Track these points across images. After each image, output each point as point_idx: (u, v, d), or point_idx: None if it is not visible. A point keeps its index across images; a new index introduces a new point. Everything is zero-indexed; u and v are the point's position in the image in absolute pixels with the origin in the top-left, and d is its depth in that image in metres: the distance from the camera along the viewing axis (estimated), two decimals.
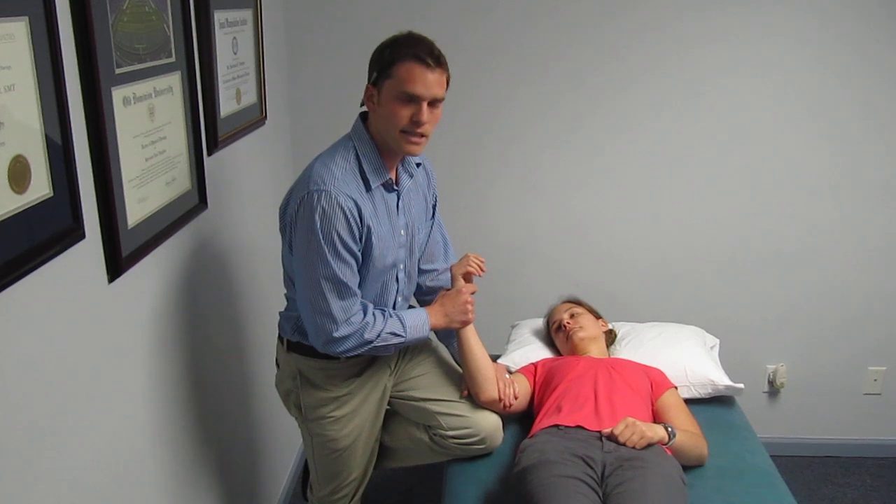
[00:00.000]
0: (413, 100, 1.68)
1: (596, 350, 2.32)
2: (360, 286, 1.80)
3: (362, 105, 1.79)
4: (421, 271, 2.11)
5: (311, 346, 1.85)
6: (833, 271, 2.93)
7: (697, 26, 2.66)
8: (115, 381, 1.47)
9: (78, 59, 1.29)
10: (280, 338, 1.98)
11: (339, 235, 1.69)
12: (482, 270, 2.01)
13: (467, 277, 2.01)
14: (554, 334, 2.45)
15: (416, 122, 1.69)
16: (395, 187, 1.85)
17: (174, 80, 1.68)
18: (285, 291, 1.94)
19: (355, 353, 1.81)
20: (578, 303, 2.50)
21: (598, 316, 2.48)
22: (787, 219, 2.87)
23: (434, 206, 2.08)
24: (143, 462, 1.61)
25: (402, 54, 1.67)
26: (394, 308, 1.95)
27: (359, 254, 1.76)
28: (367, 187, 1.76)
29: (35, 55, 1.14)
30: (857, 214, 2.86)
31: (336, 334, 1.76)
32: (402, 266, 1.93)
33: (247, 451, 2.37)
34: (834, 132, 2.77)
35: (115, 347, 1.47)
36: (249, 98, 2.28)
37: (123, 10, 1.42)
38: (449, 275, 2.07)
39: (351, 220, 1.70)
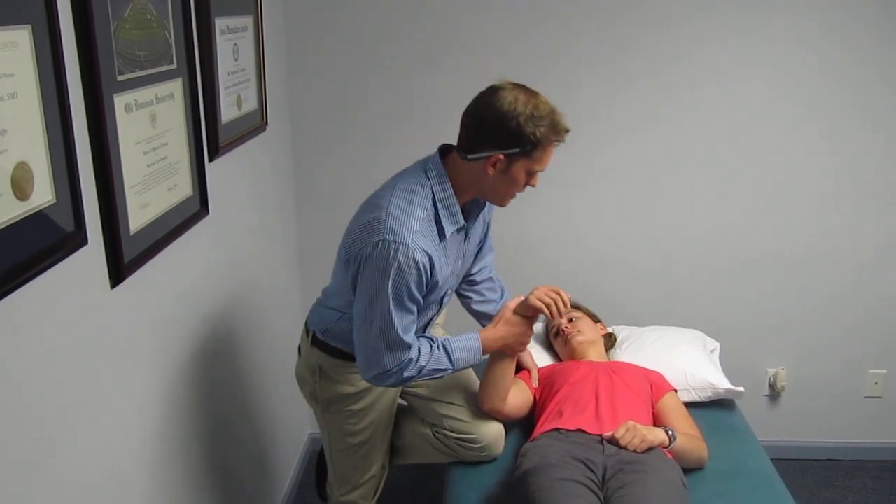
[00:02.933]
0: (536, 173, 1.73)
1: (595, 354, 2.32)
2: None
3: (469, 157, 1.69)
4: (469, 274, 2.13)
5: (332, 345, 1.91)
6: (834, 274, 2.94)
7: (698, 29, 2.67)
8: (117, 386, 1.48)
9: (80, 66, 1.30)
10: (306, 329, 1.99)
11: (408, 289, 1.69)
12: (561, 316, 1.96)
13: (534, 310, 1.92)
14: (553, 339, 2.46)
15: (531, 185, 1.75)
16: (465, 226, 1.82)
17: (175, 87, 1.69)
18: (322, 297, 1.98)
19: (399, 384, 1.88)
20: (577, 307, 2.50)
21: (596, 320, 2.48)
22: (787, 222, 2.88)
23: (488, 225, 2.07)
24: (144, 467, 1.61)
25: (549, 138, 1.66)
26: (428, 324, 1.96)
27: (422, 303, 1.77)
28: (441, 236, 1.75)
29: (38, 63, 1.15)
30: (857, 218, 2.87)
31: (380, 376, 1.78)
32: (448, 293, 1.94)
33: (249, 455, 2.37)
34: (834, 136, 2.78)
35: (117, 353, 1.47)
36: (250, 104, 2.29)
37: (125, 18, 1.43)
38: (504, 294, 2.14)
39: (424, 275, 1.70)
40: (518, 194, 1.79)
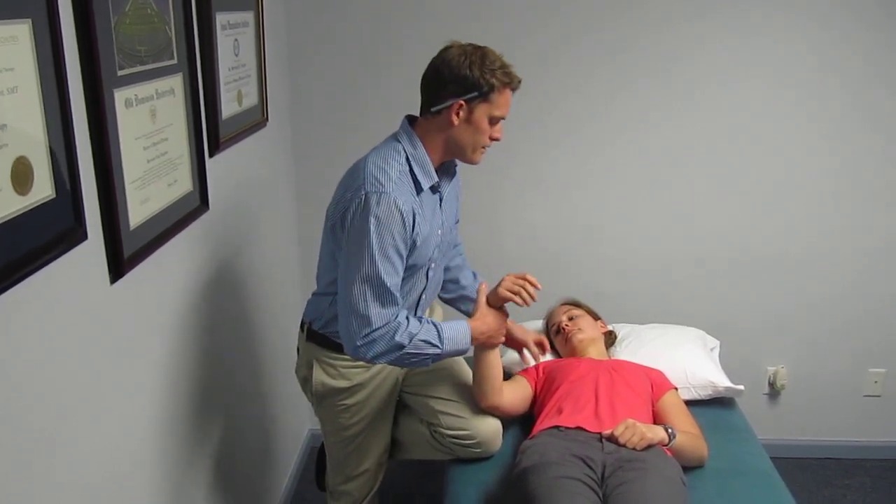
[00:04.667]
0: (498, 121, 1.81)
1: (595, 352, 2.32)
2: None
3: (432, 109, 1.78)
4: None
5: (327, 337, 1.91)
6: (834, 273, 2.94)
7: (697, 29, 2.67)
8: (117, 381, 1.47)
9: (80, 61, 1.30)
10: (301, 325, 2.02)
11: (392, 238, 1.72)
12: (533, 299, 1.94)
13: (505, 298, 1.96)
14: (553, 337, 2.46)
15: (494, 139, 1.83)
16: (439, 189, 1.89)
17: (176, 82, 1.69)
18: (316, 289, 1.99)
19: (386, 359, 1.79)
20: (577, 304, 2.50)
21: (596, 317, 2.48)
22: (788, 221, 2.88)
23: (458, 199, 2.11)
24: (144, 463, 1.61)
25: (503, 82, 1.76)
26: (418, 304, 1.97)
27: (405, 257, 1.78)
28: (418, 190, 1.80)
29: (38, 57, 1.14)
30: (857, 217, 2.87)
31: (368, 337, 1.74)
32: (433, 265, 1.95)
33: (248, 450, 2.37)
34: (834, 136, 2.78)
35: (117, 348, 1.47)
36: (251, 100, 2.29)
37: (126, 13, 1.43)
38: (474, 280, 2.13)
39: (406, 223, 1.73)
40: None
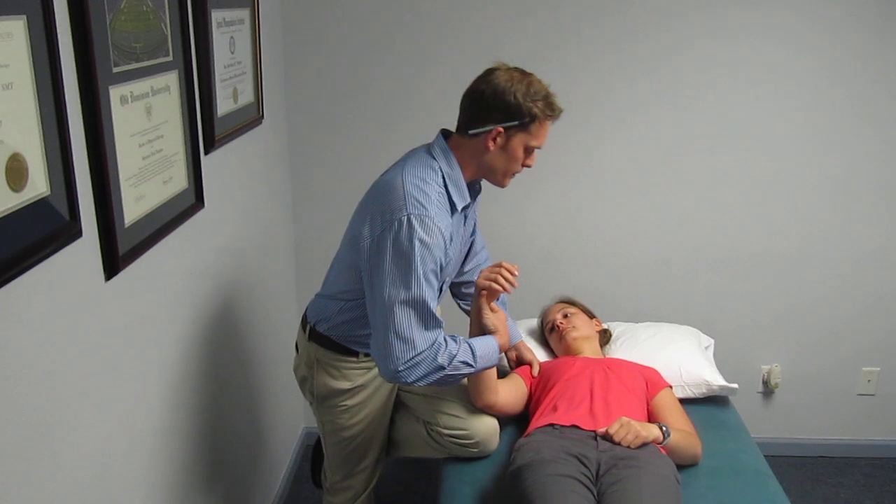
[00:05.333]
0: (533, 150, 1.80)
1: (590, 350, 2.32)
2: None
3: (470, 132, 1.76)
4: (461, 272, 2.15)
5: (332, 339, 1.90)
6: (828, 272, 2.94)
7: (694, 26, 2.67)
8: (111, 378, 1.47)
9: (75, 57, 1.29)
10: (303, 325, 2.01)
11: (434, 261, 1.70)
12: (513, 286, 1.88)
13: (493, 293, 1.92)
14: (548, 335, 2.46)
15: (527, 166, 1.82)
16: (469, 204, 1.87)
17: (171, 79, 1.68)
18: (321, 290, 1.98)
19: (426, 381, 1.75)
20: (572, 302, 2.50)
21: (591, 315, 2.48)
22: (782, 220, 2.89)
23: (475, 221, 2.10)
24: (139, 460, 1.61)
25: (545, 114, 1.75)
26: None
27: (440, 280, 1.78)
28: (453, 211, 1.79)
29: (33, 54, 1.14)
30: (851, 216, 2.87)
31: (412, 361, 1.71)
32: (447, 279, 1.95)
33: (243, 448, 2.37)
34: (830, 133, 2.78)
35: (112, 346, 1.47)
36: (246, 97, 2.29)
37: (121, 9, 1.42)
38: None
39: (447, 246, 1.73)
40: (513, 190, 1.80)
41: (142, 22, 1.52)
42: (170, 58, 1.67)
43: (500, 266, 1.88)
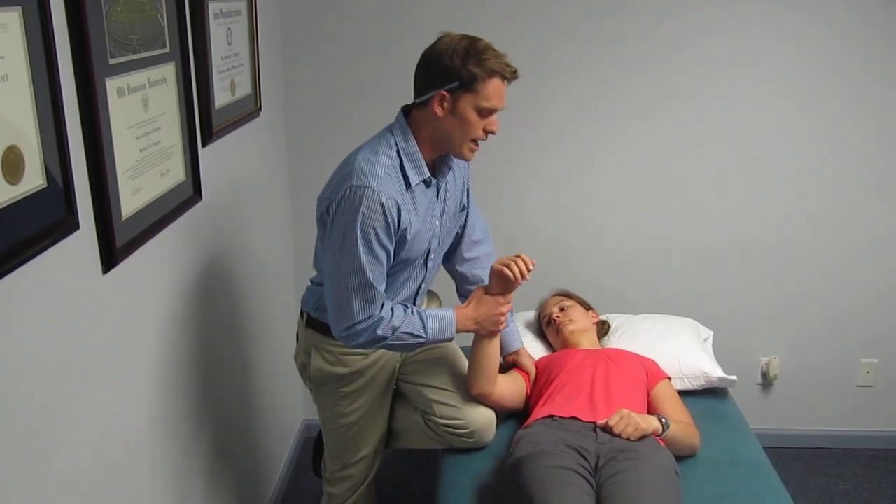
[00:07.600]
0: (490, 113, 1.75)
1: (587, 342, 2.32)
2: (388, 274, 1.82)
3: (417, 100, 1.77)
4: (464, 259, 2.14)
5: (324, 322, 1.91)
6: (826, 264, 2.94)
7: (695, 22, 2.66)
8: (109, 371, 1.47)
9: (72, 49, 1.28)
10: (301, 312, 2.04)
11: (375, 233, 1.72)
12: (524, 279, 1.88)
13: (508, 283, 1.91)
14: (545, 328, 2.46)
15: (489, 132, 1.78)
16: (434, 180, 1.86)
17: (168, 71, 1.67)
18: (314, 276, 2.02)
19: (370, 347, 1.85)
20: (568, 295, 2.50)
21: (588, 307, 2.48)
22: (781, 212, 2.88)
23: (468, 192, 2.08)
24: (139, 453, 1.61)
25: (489, 71, 1.71)
26: (417, 293, 1.98)
27: (391, 251, 1.78)
28: (407, 185, 1.79)
29: (28, 45, 1.13)
30: (850, 209, 2.87)
31: (351, 329, 1.79)
32: (432, 255, 1.96)
33: (242, 440, 2.37)
34: (829, 127, 2.78)
35: (110, 338, 1.47)
36: (244, 89, 2.28)
37: (117, 1, 1.41)
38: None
39: (389, 219, 1.73)
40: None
41: (138, 13, 1.51)
42: (167, 49, 1.66)
43: (519, 256, 1.90)
